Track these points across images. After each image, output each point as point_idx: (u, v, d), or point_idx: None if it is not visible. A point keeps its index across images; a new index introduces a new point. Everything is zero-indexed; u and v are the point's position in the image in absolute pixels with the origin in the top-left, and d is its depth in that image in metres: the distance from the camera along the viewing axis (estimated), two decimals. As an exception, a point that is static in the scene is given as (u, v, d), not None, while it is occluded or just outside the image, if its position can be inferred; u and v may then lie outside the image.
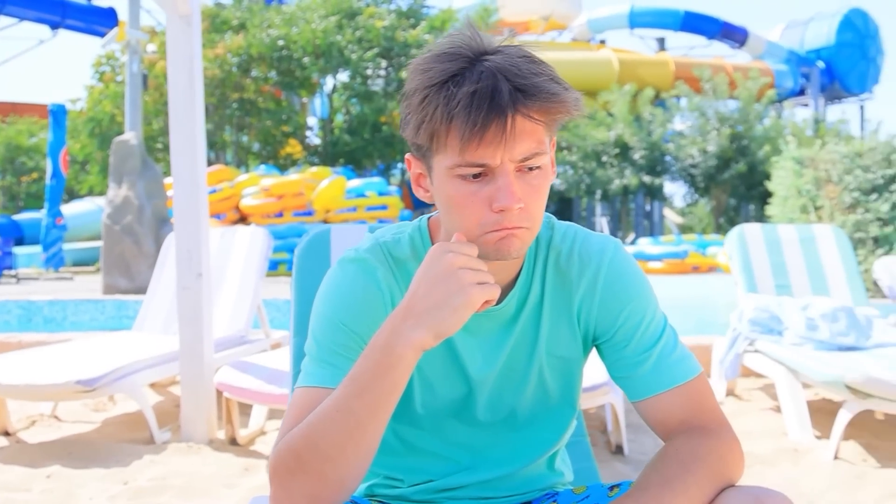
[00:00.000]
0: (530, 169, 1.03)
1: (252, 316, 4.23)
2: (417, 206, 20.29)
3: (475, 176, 1.02)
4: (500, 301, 1.16)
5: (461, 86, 0.99)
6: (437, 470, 1.24)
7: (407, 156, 1.13)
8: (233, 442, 3.32)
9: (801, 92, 28.94)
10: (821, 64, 28.73)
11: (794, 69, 28.12)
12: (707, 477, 1.05)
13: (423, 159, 1.09)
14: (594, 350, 1.24)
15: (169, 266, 4.42)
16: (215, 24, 19.91)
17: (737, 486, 1.08)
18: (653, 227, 26.03)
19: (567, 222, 1.23)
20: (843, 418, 3.09)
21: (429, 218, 1.22)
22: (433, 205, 1.13)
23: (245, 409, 3.73)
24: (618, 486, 1.22)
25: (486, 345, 1.18)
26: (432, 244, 1.17)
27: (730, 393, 4.27)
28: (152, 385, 4.38)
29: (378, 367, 0.99)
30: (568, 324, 1.19)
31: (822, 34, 28.92)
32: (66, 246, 15.86)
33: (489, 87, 0.98)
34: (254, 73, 19.97)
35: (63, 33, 23.12)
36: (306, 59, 19.42)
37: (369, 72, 20.24)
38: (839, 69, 28.73)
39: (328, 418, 1.01)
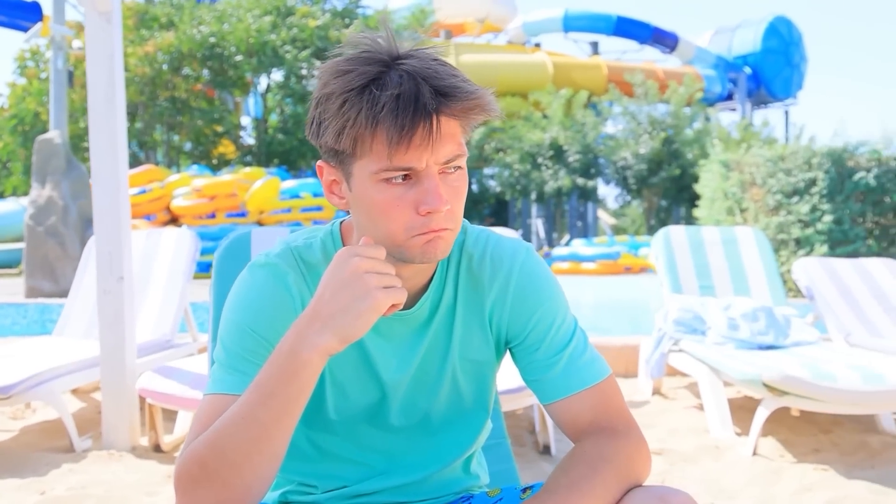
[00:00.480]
0: (452, 171, 1.04)
1: (178, 320, 4.14)
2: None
3: (400, 179, 1.01)
4: (412, 305, 1.16)
5: (383, 89, 0.98)
6: (351, 475, 1.24)
7: (319, 163, 1.11)
8: (156, 449, 3.24)
9: (730, 97, 29.75)
10: (748, 70, 29.58)
11: (722, 74, 28.90)
12: (614, 478, 1.07)
13: (339, 166, 1.07)
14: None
15: (91, 269, 4.30)
16: (144, 21, 19.45)
17: (643, 486, 1.10)
18: (587, 229, 26.41)
19: (479, 226, 1.24)
20: (761, 415, 3.19)
21: (341, 222, 1.21)
22: (345, 210, 1.12)
23: (170, 415, 3.65)
24: (530, 487, 1.23)
25: (399, 349, 1.18)
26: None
27: (656, 391, 4.36)
28: (74, 391, 4.25)
29: (283, 372, 0.98)
30: (480, 327, 1.20)
31: (748, 41, 29.79)
32: (-13, 248, 15.30)
33: (412, 90, 0.98)
34: (185, 71, 19.58)
35: (-16, 27, 22.32)
36: (239, 58, 19.14)
37: (304, 72, 20.05)
38: (765, 75, 29.63)
39: (233, 425, 0.99)
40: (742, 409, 3.89)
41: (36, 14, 22.11)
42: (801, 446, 3.32)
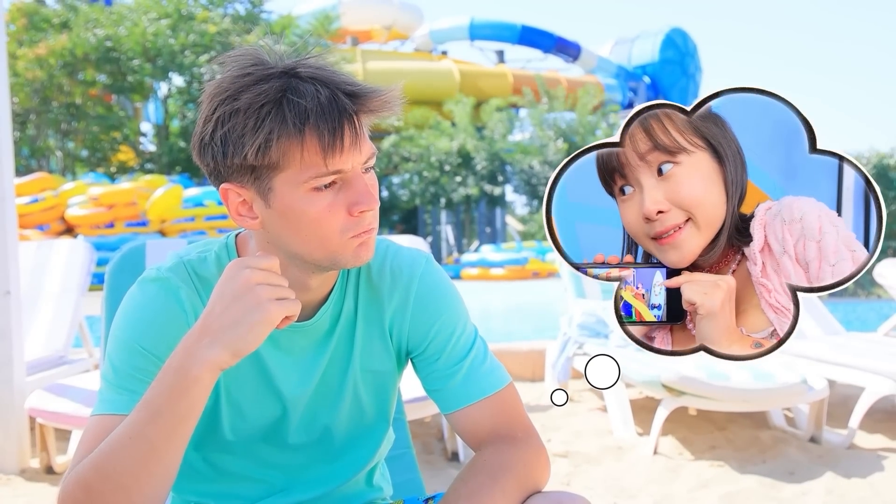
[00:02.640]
0: (367, 171, 1.05)
1: (72, 335, 3.97)
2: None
3: (327, 186, 1.01)
4: (312, 316, 1.15)
5: (302, 97, 0.97)
6: (250, 494, 1.21)
7: (223, 186, 1.04)
8: (48, 471, 3.10)
9: (630, 105, 30.68)
10: (647, 79, 30.59)
11: (623, 83, 29.80)
12: (514, 485, 1.08)
13: (254, 183, 1.02)
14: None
15: (-24, 283, 4.08)
16: (34, 22, 18.62)
17: (542, 492, 1.11)
18: (495, 235, 26.73)
19: (380, 237, 1.24)
20: (660, 415, 3.29)
21: (237, 235, 1.18)
22: (256, 230, 1.07)
23: (63, 435, 3.49)
24: (432, 498, 1.23)
25: (300, 362, 1.16)
26: None
27: (562, 395, 4.43)
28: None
29: (173, 390, 0.95)
30: (381, 338, 1.19)
31: (647, 51, 30.83)
32: None
33: (329, 95, 0.98)
34: (80, 75, 18.84)
35: None
36: (136, 62, 18.55)
37: (206, 77, 19.58)
38: (663, 84, 30.71)
39: (120, 446, 0.95)
40: (644, 410, 4.00)
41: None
42: (699, 444, 3.44)
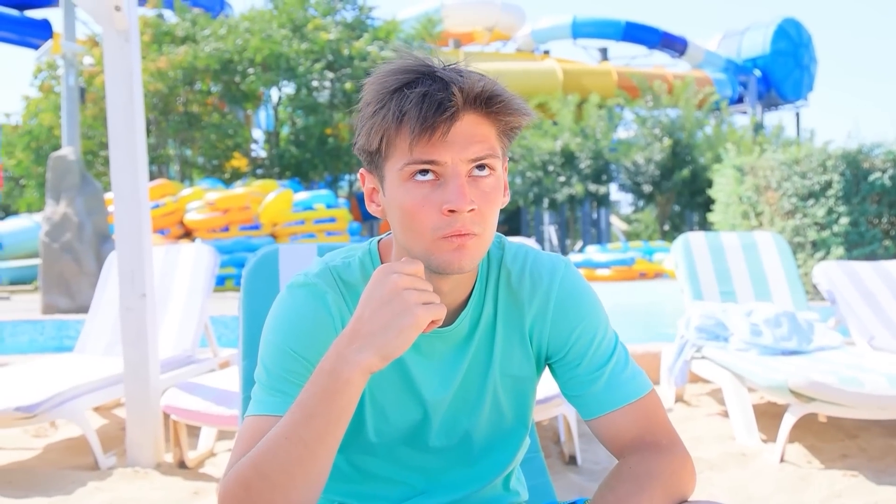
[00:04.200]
0: (482, 175, 1.04)
1: (199, 335, 4.15)
2: (366, 218, 20.21)
3: (426, 177, 1.02)
4: (452, 321, 1.16)
5: (414, 88, 1.01)
6: (391, 496, 1.23)
7: (361, 171, 1.14)
8: (181, 465, 3.24)
9: (740, 100, 29.69)
10: (757, 72, 29.53)
11: (732, 78, 28.86)
12: (661, 494, 1.06)
13: (375, 171, 1.09)
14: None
15: (111, 286, 4.32)
16: (157, 36, 19.56)
17: (688, 502, 1.09)
18: (600, 235, 26.37)
19: (518, 242, 1.24)
20: (787, 422, 3.16)
21: (379, 240, 1.21)
22: (381, 219, 1.13)
23: (193, 431, 3.65)
24: (572, 503, 1.22)
25: (440, 367, 1.17)
26: None
27: (679, 399, 4.33)
28: (96, 408, 4.26)
29: (325, 392, 0.97)
30: (521, 343, 1.19)
31: (757, 43, 29.75)
32: (2, 264, 15.40)
33: (441, 89, 1.00)
34: (198, 86, 19.67)
35: (-5, 45, 22.52)
36: (251, 71, 19.21)
37: (315, 83, 20.12)
38: (775, 77, 29.56)
39: (276, 446, 0.99)
40: (766, 416, 3.86)
41: (46, 31, 22.34)
42: (829, 452, 3.29)
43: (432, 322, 0.99)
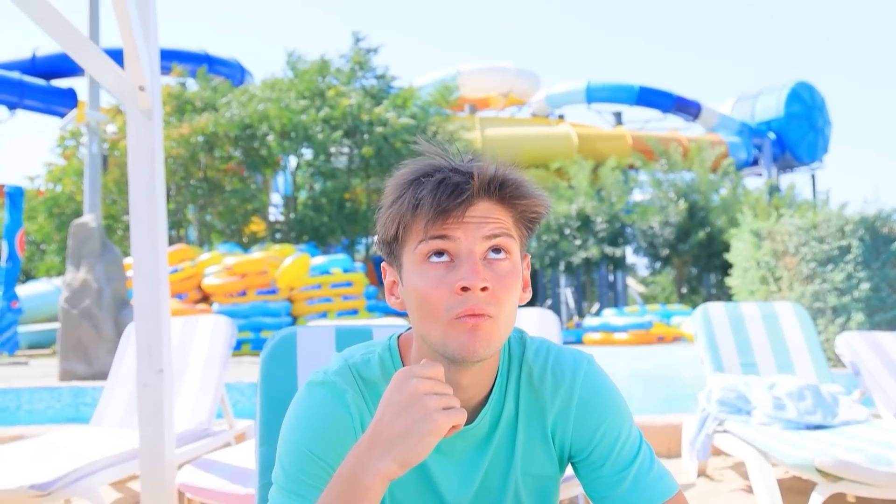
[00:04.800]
0: (497, 258, 1.05)
1: (216, 407, 4.12)
2: (382, 281, 20.23)
3: (440, 259, 1.03)
4: (472, 419, 1.14)
5: (431, 177, 1.04)
6: None
7: (382, 264, 1.16)
8: (194, 544, 3.19)
9: (755, 162, 29.79)
10: (772, 135, 29.67)
11: (747, 140, 29.01)
12: None
13: (394, 261, 1.10)
14: None
15: (128, 357, 4.32)
16: (180, 105, 19.98)
17: None
18: (617, 298, 26.23)
19: (539, 338, 1.23)
20: (815, 501, 3.07)
21: (399, 336, 1.20)
22: (401, 311, 1.13)
23: (207, 507, 3.59)
24: None
25: (461, 466, 1.15)
26: (403, 363, 1.16)
27: (701, 473, 4.23)
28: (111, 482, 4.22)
29: (343, 499, 0.96)
30: (543, 442, 1.17)
31: (771, 107, 29.97)
32: (22, 328, 15.49)
33: (457, 178, 1.03)
34: (218, 152, 20.00)
35: (21, 113, 23.08)
36: (270, 138, 19.53)
37: (333, 149, 20.41)
38: (789, 140, 29.69)
39: None
40: (792, 491, 3.76)
41: (71, 100, 22.91)
42: (859, 534, 3.19)
43: (453, 427, 0.98)
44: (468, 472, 1.15)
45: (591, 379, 1.17)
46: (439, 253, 1.04)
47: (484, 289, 1.02)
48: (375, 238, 1.13)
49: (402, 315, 1.28)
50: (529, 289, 1.15)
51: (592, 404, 1.16)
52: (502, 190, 1.05)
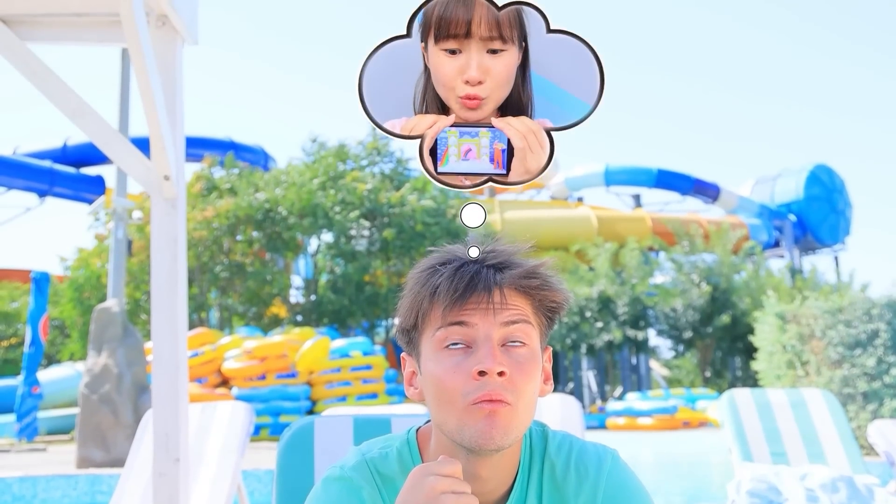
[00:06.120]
0: (516, 345, 1.04)
1: (232, 496, 4.04)
2: (401, 367, 20.09)
3: (458, 346, 1.03)
4: (494, 515, 1.11)
5: (448, 265, 1.05)
6: None
7: (402, 355, 1.15)
8: None
9: (776, 244, 29.69)
10: (792, 217, 29.64)
11: (767, 222, 28.99)
12: None
13: (413, 351, 1.10)
14: None
15: (146, 445, 4.26)
16: (207, 187, 20.37)
17: None
18: (640, 381, 25.82)
19: (562, 432, 1.20)
20: None
21: (418, 429, 1.18)
22: (420, 402, 1.12)
23: None
24: None
25: None
26: (422, 458, 1.13)
27: (733, 569, 4.06)
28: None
29: None
30: None
31: (790, 189, 30.05)
32: (42, 413, 15.45)
33: (473, 265, 1.04)
34: (239, 236, 20.27)
35: (50, 200, 23.62)
36: (291, 220, 19.79)
37: (353, 232, 20.61)
38: (810, 222, 29.64)
39: None
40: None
41: (99, 187, 23.45)
42: None
43: None
44: None
45: (615, 476, 1.14)
46: (456, 343, 1.03)
47: (501, 374, 1.01)
48: (395, 327, 1.13)
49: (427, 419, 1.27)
50: (551, 381, 1.13)
51: (618, 502, 1.12)
52: (521, 279, 1.05)
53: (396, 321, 1.13)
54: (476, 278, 1.03)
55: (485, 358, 1.01)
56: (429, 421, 1.16)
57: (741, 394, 4.44)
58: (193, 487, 4.00)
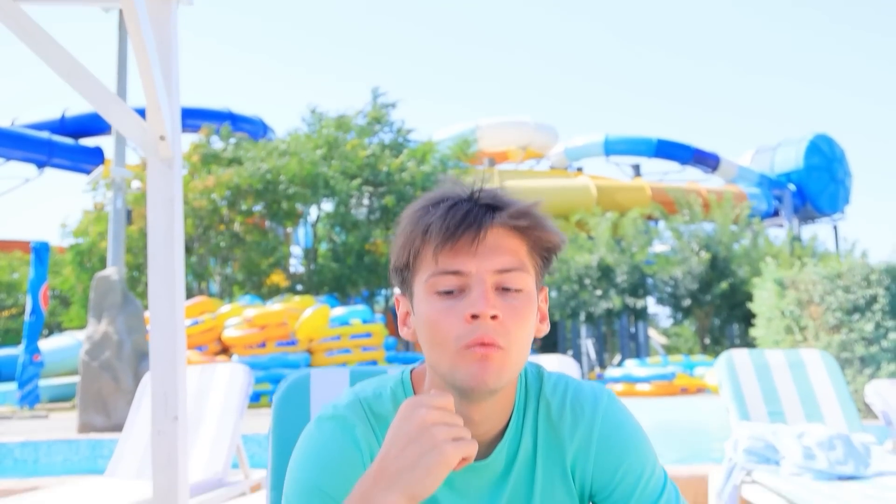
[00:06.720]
0: (510, 290, 1.02)
1: (231, 457, 4.06)
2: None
3: (450, 292, 1.01)
4: (488, 454, 1.10)
5: (441, 204, 1.03)
6: None
7: (395, 295, 1.14)
8: None
9: (776, 213, 29.64)
10: (792, 186, 29.56)
11: (767, 192, 28.92)
12: None
13: (406, 291, 1.08)
14: None
15: (144, 407, 4.28)
16: (206, 158, 20.27)
17: None
18: (638, 349, 25.94)
19: (557, 372, 1.18)
20: (850, 556, 2.95)
21: (412, 370, 1.17)
22: (414, 342, 1.11)
23: (221, 560, 3.52)
24: None
25: None
26: None
27: (729, 527, 4.09)
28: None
29: None
30: (562, 480, 1.12)
31: (790, 159, 29.94)
32: (44, 382, 15.51)
33: (466, 204, 1.02)
34: (240, 205, 20.21)
35: (49, 171, 23.53)
36: (291, 191, 19.73)
37: (353, 200, 20.57)
38: (810, 191, 29.57)
39: None
40: (826, 547, 3.62)
41: (98, 158, 23.35)
42: (898, 590, 3.05)
43: (463, 459, 0.93)
44: None
45: (611, 414, 1.13)
46: (449, 289, 1.01)
47: (494, 317, 0.99)
48: (390, 267, 1.11)
49: (420, 360, 1.24)
50: (547, 321, 1.11)
51: (613, 441, 1.11)
52: (515, 217, 1.02)
53: (391, 261, 1.11)
54: (469, 216, 1.01)
55: (477, 301, 0.99)
56: (423, 362, 1.15)
57: (739, 354, 4.44)
58: (193, 447, 4.02)
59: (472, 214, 1.01)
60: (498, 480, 1.11)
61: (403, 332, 1.11)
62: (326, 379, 1.92)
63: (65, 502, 3.41)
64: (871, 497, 3.09)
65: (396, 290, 1.14)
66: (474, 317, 0.99)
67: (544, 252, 1.07)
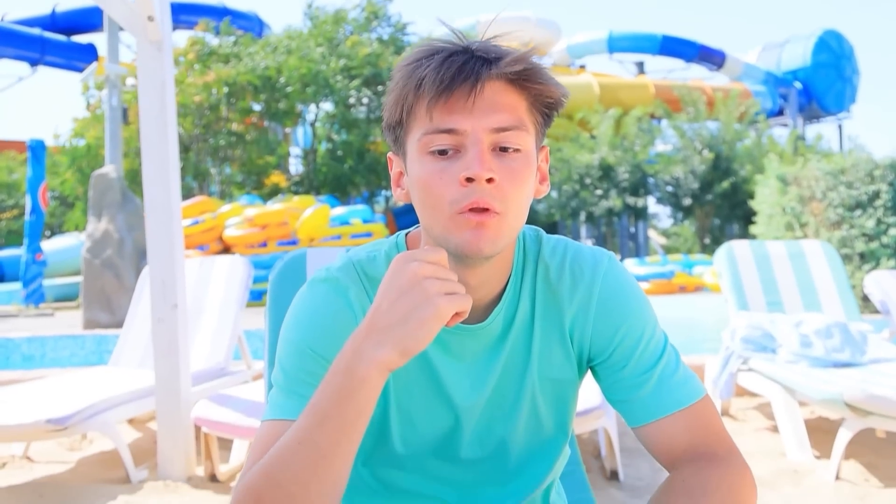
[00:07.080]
0: (508, 149, 0.96)
1: (232, 347, 4.10)
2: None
3: (445, 152, 0.95)
4: (484, 318, 1.07)
5: (435, 56, 0.96)
6: (421, 510, 1.14)
7: (388, 155, 1.08)
8: (212, 478, 3.18)
9: (780, 112, 29.22)
10: (798, 84, 29.04)
11: (772, 90, 28.41)
12: (718, 510, 0.95)
13: (399, 150, 1.03)
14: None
15: (145, 299, 4.30)
16: (203, 56, 19.82)
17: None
18: (638, 248, 26.05)
19: (557, 235, 1.14)
20: (843, 437, 3.00)
21: (407, 233, 1.13)
22: (406, 203, 1.06)
23: (226, 444, 3.60)
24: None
25: (472, 369, 1.08)
26: None
27: (724, 413, 4.17)
28: (130, 421, 4.24)
29: (340, 392, 0.88)
30: (561, 343, 1.09)
31: (797, 56, 29.28)
32: (48, 282, 15.64)
33: (462, 55, 0.95)
34: (239, 104, 19.88)
35: (42, 69, 23.08)
36: (290, 89, 19.39)
37: (352, 100, 20.24)
38: (816, 89, 29.05)
39: (288, 452, 0.90)
40: (818, 431, 3.70)
41: (91, 55, 22.87)
42: (888, 469, 3.12)
43: (457, 315, 0.90)
44: (481, 376, 1.08)
45: (611, 276, 1.09)
46: (443, 149, 0.95)
47: (490, 180, 0.93)
48: (382, 125, 1.05)
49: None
50: (547, 182, 1.06)
51: (613, 303, 1.08)
52: (514, 69, 0.95)
53: (384, 118, 1.04)
54: (465, 68, 0.94)
55: (472, 163, 0.93)
56: (419, 226, 1.11)
57: (739, 245, 4.42)
58: (194, 338, 4.05)
59: (468, 66, 0.94)
60: (495, 344, 1.08)
61: (396, 193, 1.07)
62: (323, 256, 1.89)
63: (72, 388, 3.45)
64: (864, 381, 3.12)
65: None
66: (469, 180, 0.93)
67: (545, 108, 1.01)
